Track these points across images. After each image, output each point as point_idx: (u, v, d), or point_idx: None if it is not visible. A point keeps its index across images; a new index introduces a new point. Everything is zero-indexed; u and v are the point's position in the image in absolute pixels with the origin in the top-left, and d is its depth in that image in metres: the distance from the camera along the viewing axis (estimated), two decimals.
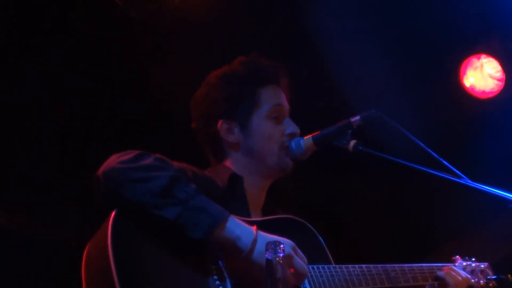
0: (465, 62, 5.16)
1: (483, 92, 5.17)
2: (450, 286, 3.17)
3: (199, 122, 3.22)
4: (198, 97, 3.22)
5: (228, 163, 3.15)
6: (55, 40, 4.67)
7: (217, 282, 2.60)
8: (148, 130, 5.02)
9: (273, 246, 2.23)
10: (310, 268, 2.76)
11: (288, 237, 2.65)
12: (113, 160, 2.63)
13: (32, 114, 4.64)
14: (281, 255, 2.23)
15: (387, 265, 3.02)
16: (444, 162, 2.84)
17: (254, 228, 2.63)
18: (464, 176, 2.81)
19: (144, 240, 2.57)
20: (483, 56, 5.15)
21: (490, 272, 3.37)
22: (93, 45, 4.74)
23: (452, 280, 3.18)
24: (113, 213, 2.56)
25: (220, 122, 3.13)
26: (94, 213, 2.61)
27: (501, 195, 2.74)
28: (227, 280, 2.61)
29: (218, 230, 2.58)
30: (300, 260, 2.63)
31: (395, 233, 5.38)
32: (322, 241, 2.98)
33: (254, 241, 2.58)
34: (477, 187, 2.79)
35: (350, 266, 2.89)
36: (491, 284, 3.34)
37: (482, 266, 3.37)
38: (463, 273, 3.24)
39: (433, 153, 2.87)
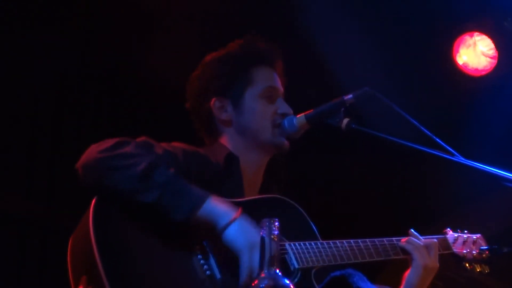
0: (458, 40, 5.15)
1: (476, 69, 5.16)
2: (416, 260, 3.00)
3: (193, 101, 3.22)
4: (193, 77, 3.23)
5: (223, 140, 3.15)
6: (42, 20, 4.65)
7: (202, 261, 2.61)
8: (141, 110, 5.01)
9: (267, 224, 2.21)
10: (297, 245, 2.76)
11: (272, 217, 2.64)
12: (92, 150, 2.65)
13: (22, 98, 4.63)
14: (276, 232, 2.21)
15: (375, 239, 3.00)
16: (437, 139, 2.84)
17: (239, 210, 2.64)
18: (457, 154, 2.81)
19: (127, 226, 2.59)
20: (476, 33, 5.14)
21: (483, 243, 3.30)
22: (83, 26, 4.72)
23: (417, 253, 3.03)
24: (92, 202, 2.58)
25: (213, 100, 3.14)
26: (86, 194, 2.62)
27: (494, 172, 2.74)
28: (211, 259, 2.62)
29: (198, 212, 2.59)
30: None
31: (388, 211, 5.39)
32: (309, 220, 2.95)
33: (230, 223, 2.59)
34: (470, 164, 2.79)
35: (338, 241, 2.87)
36: (484, 255, 3.27)
37: (474, 237, 3.30)
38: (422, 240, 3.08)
39: (426, 131, 2.87)
